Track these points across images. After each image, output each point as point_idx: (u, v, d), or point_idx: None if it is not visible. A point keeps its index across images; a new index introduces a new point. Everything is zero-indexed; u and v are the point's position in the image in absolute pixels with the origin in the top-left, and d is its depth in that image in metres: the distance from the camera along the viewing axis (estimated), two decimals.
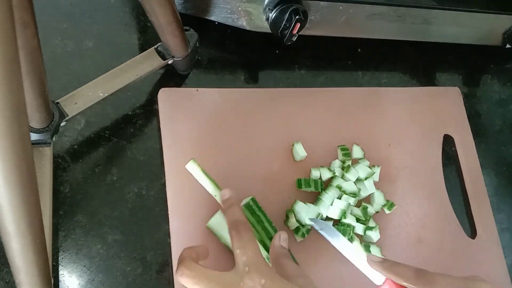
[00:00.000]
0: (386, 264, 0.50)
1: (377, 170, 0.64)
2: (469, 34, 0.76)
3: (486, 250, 0.67)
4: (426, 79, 0.78)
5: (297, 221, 0.59)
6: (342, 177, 0.62)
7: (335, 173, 0.62)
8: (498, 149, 0.77)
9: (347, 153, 0.64)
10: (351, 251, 0.54)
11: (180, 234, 0.56)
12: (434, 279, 0.48)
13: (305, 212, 0.59)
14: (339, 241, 0.55)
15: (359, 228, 0.60)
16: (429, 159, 0.70)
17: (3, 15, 0.27)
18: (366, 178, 0.63)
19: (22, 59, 0.41)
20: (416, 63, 0.78)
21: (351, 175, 0.62)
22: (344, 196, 0.61)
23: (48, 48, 0.62)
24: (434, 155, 0.71)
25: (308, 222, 0.59)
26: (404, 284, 0.49)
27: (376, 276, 0.51)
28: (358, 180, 0.63)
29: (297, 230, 0.59)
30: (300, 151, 0.63)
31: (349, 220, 0.59)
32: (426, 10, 0.69)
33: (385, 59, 0.77)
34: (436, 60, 0.80)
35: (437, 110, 0.74)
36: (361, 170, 0.63)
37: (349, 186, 0.61)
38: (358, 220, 0.60)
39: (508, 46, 0.77)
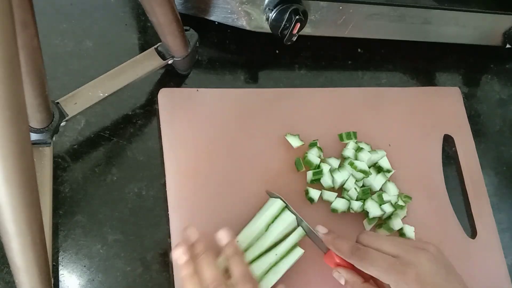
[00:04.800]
0: (329, 237, 0.55)
1: (391, 171, 0.65)
2: (469, 34, 0.76)
3: (486, 250, 0.67)
4: (426, 79, 0.78)
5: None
6: (355, 158, 0.64)
7: (345, 157, 0.64)
8: (498, 149, 0.77)
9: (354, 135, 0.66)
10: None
11: (180, 234, 0.56)
12: (367, 254, 0.51)
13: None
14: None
15: (388, 207, 0.62)
16: (429, 159, 0.70)
17: (3, 15, 0.27)
18: (386, 170, 0.64)
19: (22, 59, 0.41)
20: (416, 63, 0.78)
21: (364, 154, 0.63)
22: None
23: (48, 48, 0.62)
24: (434, 155, 0.71)
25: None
26: (342, 257, 0.54)
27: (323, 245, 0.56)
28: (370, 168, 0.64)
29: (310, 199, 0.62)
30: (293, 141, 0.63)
31: (371, 203, 0.61)
32: (426, 10, 0.69)
33: (385, 59, 0.77)
34: (436, 60, 0.80)
35: (437, 110, 0.74)
36: (379, 156, 0.65)
37: (361, 164, 0.62)
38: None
39: (508, 46, 0.77)
